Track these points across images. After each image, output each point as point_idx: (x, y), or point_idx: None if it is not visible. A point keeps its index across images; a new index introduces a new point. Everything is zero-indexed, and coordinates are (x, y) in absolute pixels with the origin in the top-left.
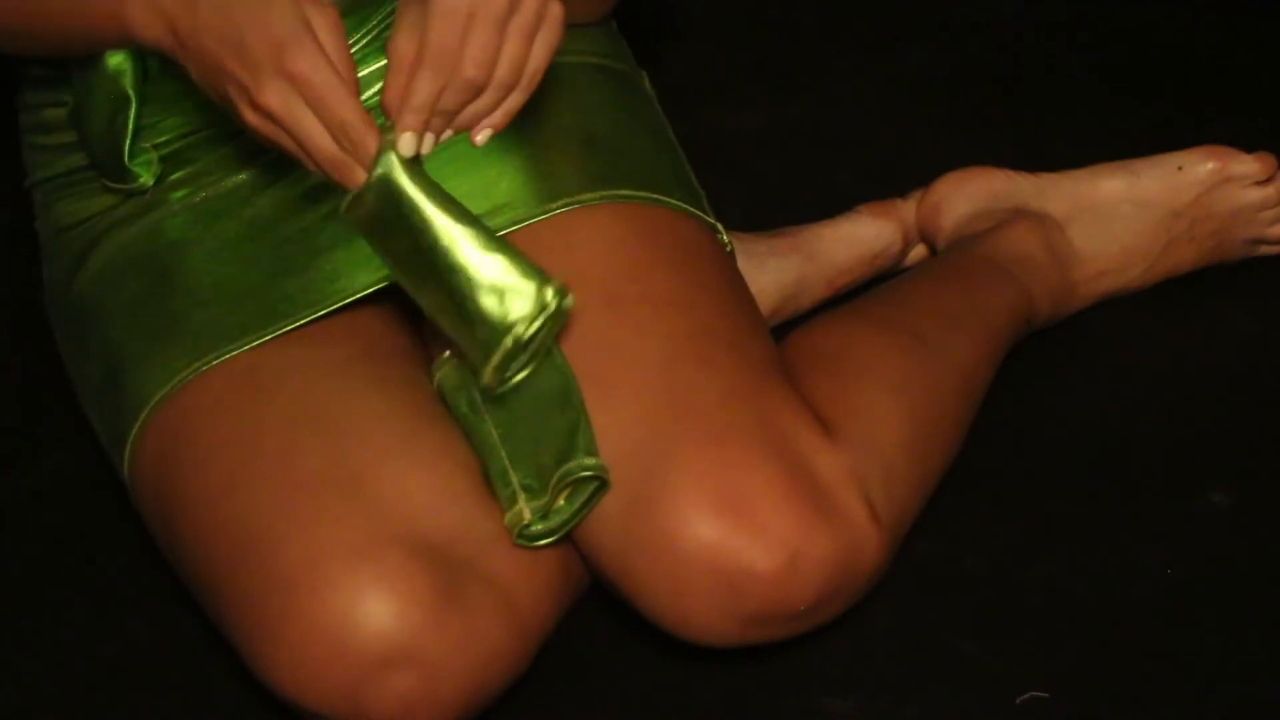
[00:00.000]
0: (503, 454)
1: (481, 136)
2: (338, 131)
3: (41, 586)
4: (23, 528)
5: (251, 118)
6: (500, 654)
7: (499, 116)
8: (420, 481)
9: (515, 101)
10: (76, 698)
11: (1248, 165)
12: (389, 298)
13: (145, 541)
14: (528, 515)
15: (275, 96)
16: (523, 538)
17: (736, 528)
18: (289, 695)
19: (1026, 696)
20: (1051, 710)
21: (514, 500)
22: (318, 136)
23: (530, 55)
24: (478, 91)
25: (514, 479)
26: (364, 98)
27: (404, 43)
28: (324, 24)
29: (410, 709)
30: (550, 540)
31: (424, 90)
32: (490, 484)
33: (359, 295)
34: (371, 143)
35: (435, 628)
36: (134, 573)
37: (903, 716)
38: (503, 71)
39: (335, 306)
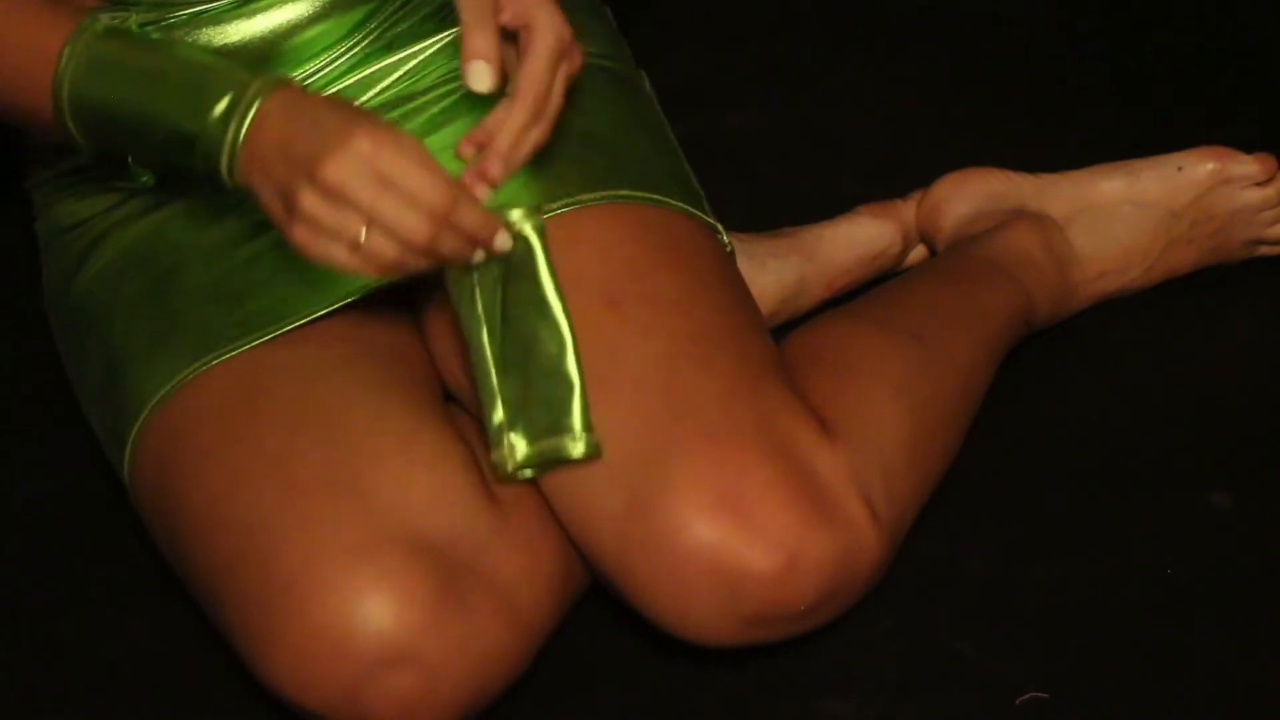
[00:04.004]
0: (499, 405)
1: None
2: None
3: (41, 586)
4: (23, 528)
5: (297, 233)
6: (500, 654)
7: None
8: (420, 481)
9: (539, 136)
10: (76, 698)
11: (1247, 166)
12: (389, 298)
13: (145, 541)
14: (510, 465)
15: (328, 209)
16: (507, 476)
17: (736, 528)
18: (289, 695)
19: (1026, 697)
20: (1051, 710)
21: (500, 439)
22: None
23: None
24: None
25: (503, 416)
26: (367, 97)
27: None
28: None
29: (410, 709)
30: (531, 474)
31: (523, 132)
32: (481, 419)
33: (359, 295)
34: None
35: (435, 628)
36: (134, 573)
37: (902, 717)
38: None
39: (335, 306)
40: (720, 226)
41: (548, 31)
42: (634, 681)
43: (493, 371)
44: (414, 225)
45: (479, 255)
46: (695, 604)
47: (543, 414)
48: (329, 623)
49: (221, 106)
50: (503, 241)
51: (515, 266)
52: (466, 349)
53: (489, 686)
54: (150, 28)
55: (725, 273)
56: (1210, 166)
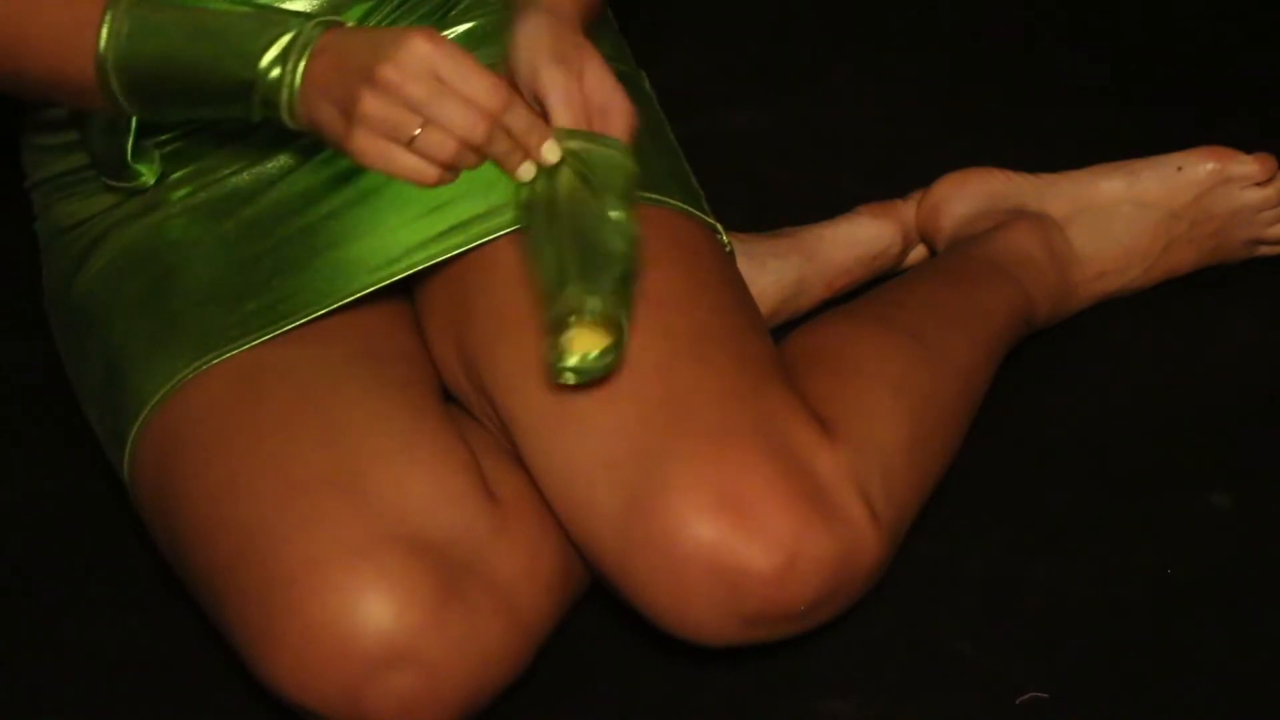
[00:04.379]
0: (565, 288)
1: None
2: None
3: (41, 586)
4: (22, 528)
5: (358, 139)
6: (500, 654)
7: None
8: (420, 481)
9: None
10: (76, 698)
11: (1247, 166)
12: (389, 298)
13: (145, 541)
14: (587, 312)
15: (385, 106)
16: (557, 374)
17: (736, 528)
18: (289, 695)
19: (1026, 696)
20: (1051, 710)
21: (563, 320)
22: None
23: None
24: None
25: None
26: None
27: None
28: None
29: (410, 709)
30: (580, 379)
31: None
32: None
33: (359, 295)
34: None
35: (435, 628)
36: (134, 573)
37: (902, 717)
38: None
39: (335, 306)
40: (720, 226)
41: (626, 122)
42: (634, 681)
43: (551, 259)
44: (471, 121)
45: (529, 170)
46: (695, 604)
47: (605, 276)
48: (329, 622)
49: (278, 48)
50: (550, 152)
51: (569, 176)
52: (531, 259)
53: (489, 686)
54: None
55: (725, 273)
56: (1210, 166)
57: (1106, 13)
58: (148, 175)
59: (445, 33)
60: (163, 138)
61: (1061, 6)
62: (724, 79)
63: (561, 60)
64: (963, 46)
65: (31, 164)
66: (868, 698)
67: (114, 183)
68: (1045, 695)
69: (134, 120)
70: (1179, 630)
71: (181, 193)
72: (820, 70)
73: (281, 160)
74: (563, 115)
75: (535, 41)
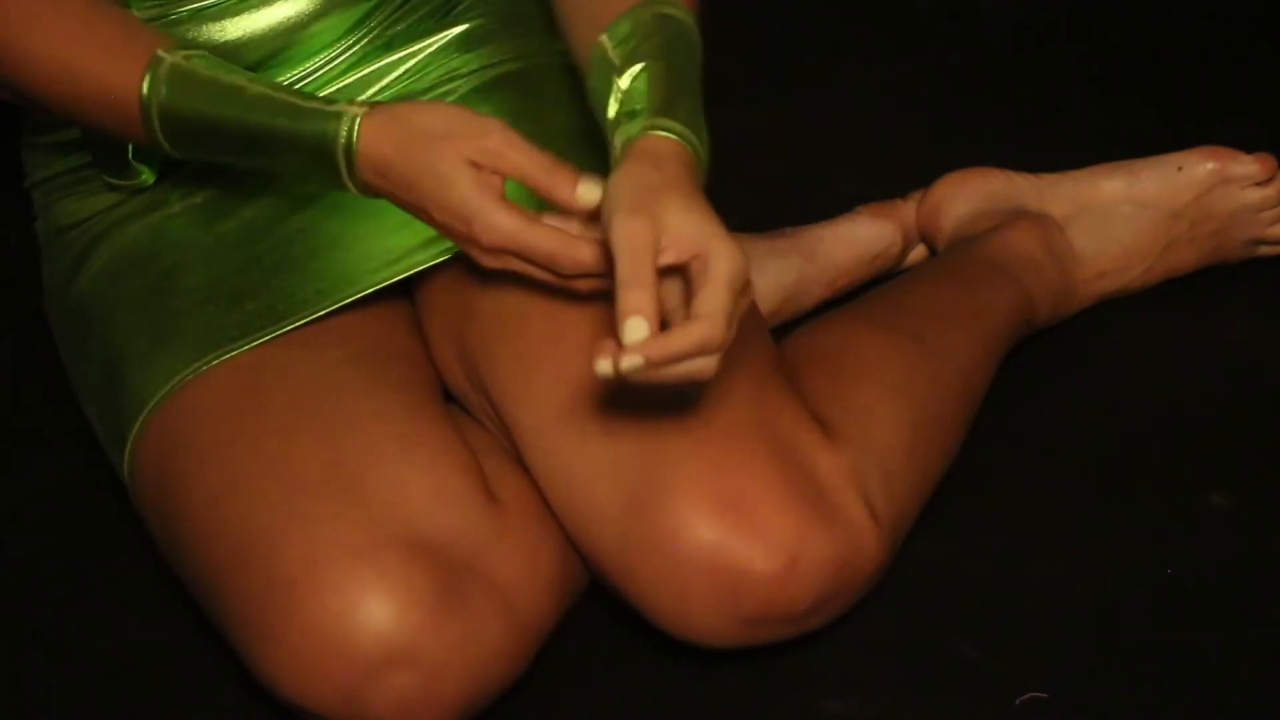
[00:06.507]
0: None
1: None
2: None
3: (41, 586)
4: (23, 528)
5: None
6: (500, 654)
7: None
8: (419, 482)
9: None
10: (76, 698)
11: (1247, 166)
12: (390, 298)
13: (145, 541)
14: None
15: (491, 261)
16: None
17: (736, 529)
18: (288, 696)
19: (1026, 697)
20: (1051, 710)
21: None
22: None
23: None
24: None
25: None
26: (366, 96)
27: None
28: (501, 160)
29: (409, 709)
30: None
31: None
32: None
33: (359, 295)
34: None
35: (435, 628)
36: (134, 573)
37: (902, 717)
38: None
39: (335, 306)
40: None
41: (727, 261)
42: (634, 681)
43: None
44: (553, 279)
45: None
46: (695, 605)
47: None
48: (329, 623)
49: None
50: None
51: None
52: None
53: (488, 687)
54: (155, 24)
55: None
56: (1210, 166)
57: (1106, 13)
58: (148, 174)
59: (446, 33)
60: None
61: (1061, 7)
62: (724, 79)
63: (636, 210)
64: (963, 47)
65: (32, 163)
66: (868, 698)
67: (115, 181)
68: (1045, 695)
69: None
70: (1179, 630)
71: (182, 193)
72: (820, 71)
73: None
74: (626, 265)
75: (616, 191)
